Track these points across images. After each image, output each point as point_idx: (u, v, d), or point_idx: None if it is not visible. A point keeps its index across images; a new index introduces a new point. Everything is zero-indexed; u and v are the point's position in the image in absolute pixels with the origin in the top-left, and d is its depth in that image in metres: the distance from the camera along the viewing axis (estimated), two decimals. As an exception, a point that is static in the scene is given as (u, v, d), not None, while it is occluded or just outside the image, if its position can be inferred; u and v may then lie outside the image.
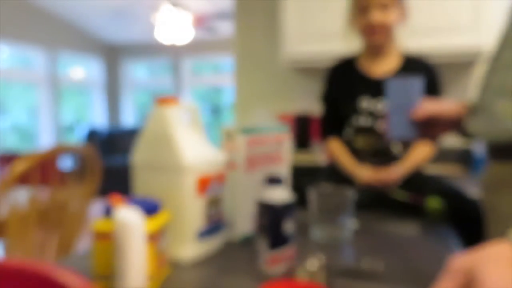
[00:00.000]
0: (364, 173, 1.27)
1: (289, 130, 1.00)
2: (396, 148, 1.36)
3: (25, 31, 5.62)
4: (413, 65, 1.37)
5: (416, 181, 1.25)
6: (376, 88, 1.37)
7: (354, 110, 1.40)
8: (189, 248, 0.77)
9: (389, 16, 1.28)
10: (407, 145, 1.35)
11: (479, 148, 1.97)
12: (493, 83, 0.82)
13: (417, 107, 0.85)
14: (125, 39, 7.01)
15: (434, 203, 1.03)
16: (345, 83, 1.45)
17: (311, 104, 2.50)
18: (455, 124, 0.90)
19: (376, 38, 1.32)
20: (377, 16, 1.27)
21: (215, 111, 7.29)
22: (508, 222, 0.83)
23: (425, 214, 1.05)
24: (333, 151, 1.43)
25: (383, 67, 1.39)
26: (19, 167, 1.49)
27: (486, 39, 1.91)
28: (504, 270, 0.54)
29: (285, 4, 2.24)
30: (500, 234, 0.86)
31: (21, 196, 1.60)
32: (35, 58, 6.02)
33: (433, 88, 1.37)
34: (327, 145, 1.47)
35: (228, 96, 7.08)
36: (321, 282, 0.63)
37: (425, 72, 1.35)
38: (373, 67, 1.41)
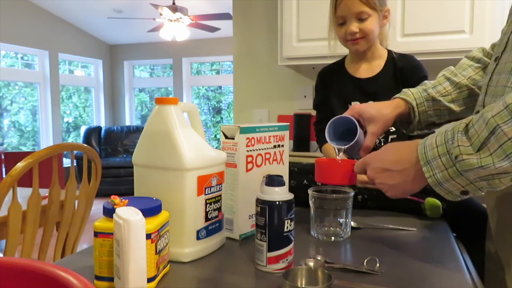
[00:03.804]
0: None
1: (289, 129, 1.00)
2: None
3: (26, 31, 5.62)
4: (398, 63, 1.39)
5: None
6: (365, 88, 1.40)
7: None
8: (189, 247, 0.77)
9: (367, 25, 1.32)
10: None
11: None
12: (494, 87, 0.82)
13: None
14: (125, 39, 7.01)
15: (433, 202, 1.03)
16: (335, 87, 1.47)
17: (310, 104, 2.50)
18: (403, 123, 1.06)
19: (357, 46, 1.36)
20: (354, 27, 1.31)
21: (215, 111, 7.29)
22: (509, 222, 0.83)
23: (424, 213, 1.05)
24: (329, 154, 1.43)
25: (370, 68, 1.42)
26: (19, 167, 1.49)
27: (485, 40, 1.91)
28: (382, 149, 0.80)
29: (283, 4, 2.24)
30: (502, 233, 0.86)
31: (21, 196, 1.60)
32: (36, 58, 6.02)
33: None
34: (323, 150, 1.49)
35: (228, 96, 7.08)
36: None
37: (410, 70, 1.37)
38: (361, 69, 1.44)
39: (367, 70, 1.42)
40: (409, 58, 1.41)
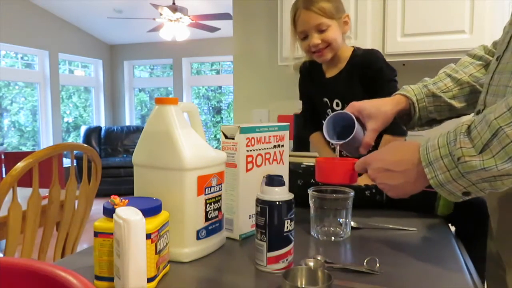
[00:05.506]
0: None
1: (289, 129, 1.00)
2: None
3: (26, 31, 5.62)
4: (355, 60, 1.44)
5: None
6: (332, 87, 1.48)
7: (324, 105, 1.51)
8: (189, 247, 0.77)
9: (328, 35, 1.37)
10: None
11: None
12: (495, 86, 0.82)
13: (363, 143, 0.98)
14: (125, 39, 7.01)
15: (446, 203, 1.02)
16: (313, 83, 1.56)
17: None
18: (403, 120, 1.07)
19: (323, 57, 1.42)
20: (316, 39, 1.37)
21: (215, 111, 7.29)
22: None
23: (436, 209, 1.04)
24: (316, 145, 1.55)
25: (335, 68, 1.49)
26: (19, 167, 1.49)
27: (485, 40, 1.91)
28: (383, 149, 0.81)
29: (283, 4, 2.24)
30: (503, 233, 0.86)
31: (21, 196, 1.60)
32: (36, 58, 6.02)
33: (374, 80, 1.41)
34: (310, 140, 1.59)
35: (228, 96, 7.08)
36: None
37: (363, 64, 1.42)
38: (329, 69, 1.51)
39: (333, 70, 1.49)
40: (366, 53, 1.45)
